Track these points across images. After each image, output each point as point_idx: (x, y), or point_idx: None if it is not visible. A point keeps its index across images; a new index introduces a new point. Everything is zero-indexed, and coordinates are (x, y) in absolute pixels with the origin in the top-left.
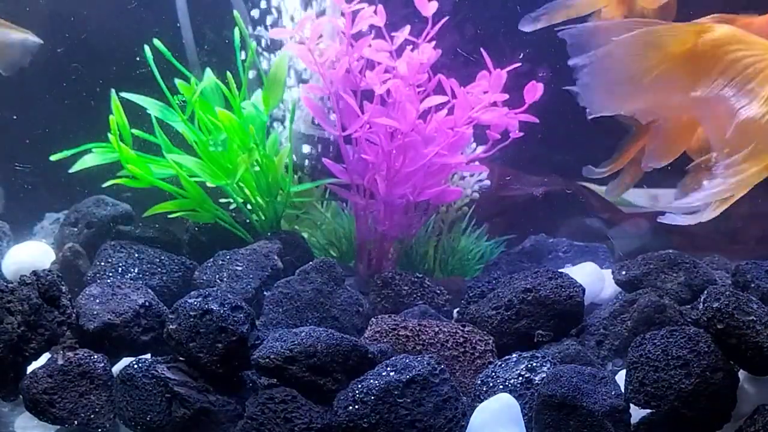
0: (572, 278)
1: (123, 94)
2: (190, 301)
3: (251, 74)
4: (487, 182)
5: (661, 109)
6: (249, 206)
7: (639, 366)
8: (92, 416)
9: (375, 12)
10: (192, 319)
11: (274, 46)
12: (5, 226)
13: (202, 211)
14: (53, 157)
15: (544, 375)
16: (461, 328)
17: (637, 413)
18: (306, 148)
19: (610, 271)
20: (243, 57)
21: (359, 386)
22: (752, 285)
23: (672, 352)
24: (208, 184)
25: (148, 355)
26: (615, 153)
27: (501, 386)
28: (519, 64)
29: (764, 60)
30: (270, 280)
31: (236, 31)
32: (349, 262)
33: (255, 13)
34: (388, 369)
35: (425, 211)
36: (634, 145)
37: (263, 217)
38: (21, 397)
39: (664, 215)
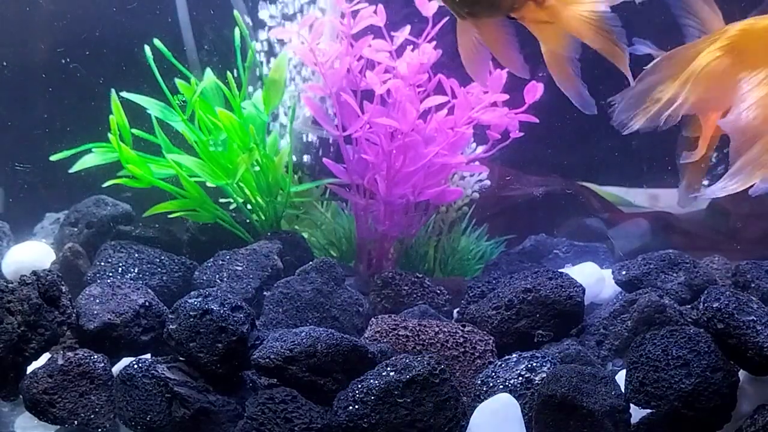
0: (572, 278)
1: (123, 94)
2: (190, 301)
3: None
4: (487, 182)
5: None
6: (249, 206)
7: (639, 366)
8: (92, 416)
9: (375, 12)
10: (192, 319)
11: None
12: (5, 226)
13: (202, 211)
14: (53, 157)
15: (544, 375)
16: (461, 328)
17: (637, 413)
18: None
19: (610, 271)
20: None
21: (359, 386)
22: (752, 285)
23: (672, 352)
24: (208, 184)
25: (148, 355)
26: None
27: (501, 386)
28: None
29: None
30: (270, 280)
31: (236, 31)
32: (349, 262)
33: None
34: (388, 369)
35: (425, 211)
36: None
37: (263, 217)
38: (21, 397)
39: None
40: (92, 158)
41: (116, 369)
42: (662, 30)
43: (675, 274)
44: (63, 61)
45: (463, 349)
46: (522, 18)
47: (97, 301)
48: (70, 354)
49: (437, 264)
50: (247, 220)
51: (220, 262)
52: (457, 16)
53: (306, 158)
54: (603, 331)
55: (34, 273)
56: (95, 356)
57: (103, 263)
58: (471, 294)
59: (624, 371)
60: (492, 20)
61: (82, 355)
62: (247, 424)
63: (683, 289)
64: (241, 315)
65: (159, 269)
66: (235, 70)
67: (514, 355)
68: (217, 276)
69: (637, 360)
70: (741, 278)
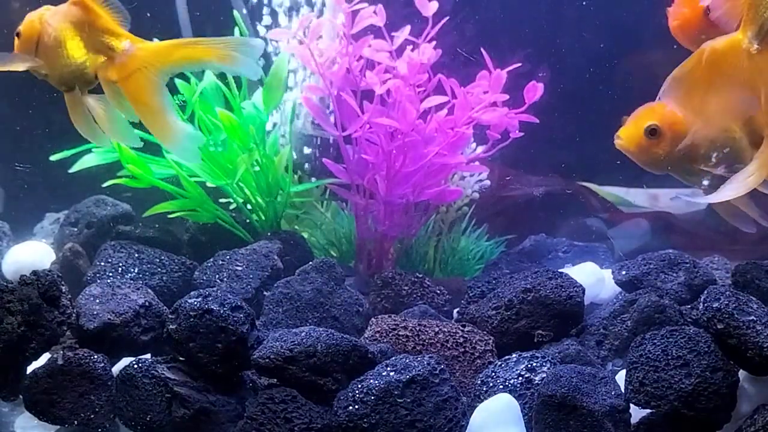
0: (572, 278)
1: None
2: (190, 301)
3: None
4: (487, 182)
5: None
6: (249, 206)
7: (639, 366)
8: (92, 416)
9: (375, 12)
10: (192, 319)
11: None
12: (5, 226)
13: (202, 211)
14: (53, 157)
15: (544, 375)
16: (461, 328)
17: (637, 413)
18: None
19: (610, 271)
20: None
21: (359, 386)
22: (752, 285)
23: (672, 352)
24: (208, 184)
25: (148, 355)
26: None
27: (501, 386)
28: (519, 64)
29: None
30: (270, 280)
31: (236, 31)
32: (349, 262)
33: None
34: (388, 369)
35: (425, 211)
36: None
37: (263, 217)
38: (21, 397)
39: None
40: (92, 158)
41: (116, 369)
42: None
43: (675, 274)
44: None
45: (463, 349)
46: (109, 80)
47: (97, 301)
48: (70, 354)
49: (437, 264)
50: (247, 220)
51: (220, 262)
52: (63, 90)
53: (307, 152)
54: (603, 331)
55: (34, 273)
56: (95, 356)
57: (103, 263)
58: (471, 294)
59: (624, 371)
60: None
61: (82, 355)
62: (247, 424)
63: (683, 289)
64: (241, 315)
65: (159, 269)
66: None
67: (514, 355)
68: (217, 276)
69: (637, 360)
70: (741, 278)
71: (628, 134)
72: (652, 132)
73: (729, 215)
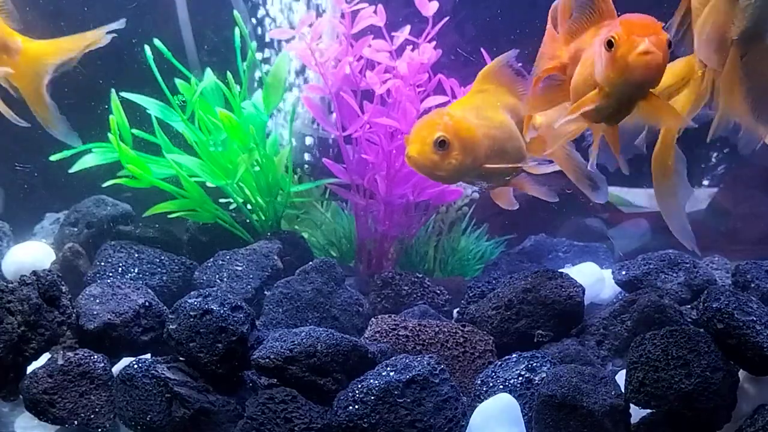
0: (572, 278)
1: (123, 94)
2: (190, 301)
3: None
4: None
5: None
6: (249, 206)
7: (639, 366)
8: (92, 416)
9: (375, 12)
10: (192, 319)
11: None
12: (5, 226)
13: (202, 211)
14: (53, 157)
15: (544, 375)
16: (461, 328)
17: (637, 413)
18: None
19: (610, 271)
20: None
21: (359, 386)
22: (752, 285)
23: (672, 352)
24: (208, 184)
25: (148, 355)
26: None
27: (501, 386)
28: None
29: None
30: (270, 280)
31: (236, 31)
32: (349, 262)
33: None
34: (388, 369)
35: (425, 211)
36: None
37: (263, 217)
38: (21, 397)
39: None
40: (92, 158)
41: (116, 369)
42: None
43: (675, 274)
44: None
45: (463, 349)
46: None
47: (97, 301)
48: (70, 354)
49: (437, 264)
50: (247, 220)
51: (220, 262)
52: None
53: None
54: (603, 331)
55: (34, 273)
56: (95, 356)
57: (103, 263)
58: (471, 294)
59: (624, 371)
60: None
61: (82, 355)
62: (247, 424)
63: (683, 289)
64: (241, 315)
65: (159, 269)
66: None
67: (514, 355)
68: (217, 276)
69: (637, 360)
70: (741, 278)
71: (418, 150)
72: (441, 144)
73: (499, 199)
